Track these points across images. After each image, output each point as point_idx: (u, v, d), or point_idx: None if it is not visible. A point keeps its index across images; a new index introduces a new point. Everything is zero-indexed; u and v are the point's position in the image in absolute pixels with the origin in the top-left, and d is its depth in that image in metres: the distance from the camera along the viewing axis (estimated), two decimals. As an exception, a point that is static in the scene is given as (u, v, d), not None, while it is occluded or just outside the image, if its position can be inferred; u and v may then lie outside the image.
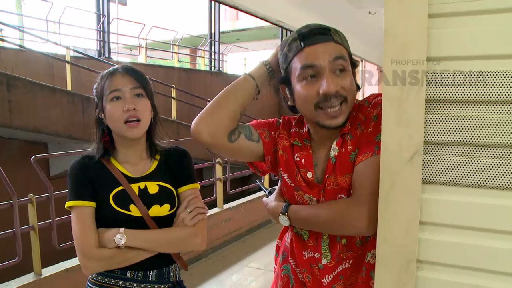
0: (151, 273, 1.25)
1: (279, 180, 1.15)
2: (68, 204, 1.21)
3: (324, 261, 1.05)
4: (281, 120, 1.16)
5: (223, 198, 4.82)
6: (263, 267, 4.06)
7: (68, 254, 3.13)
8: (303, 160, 1.06)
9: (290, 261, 1.13)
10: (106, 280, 1.23)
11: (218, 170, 4.78)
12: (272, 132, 1.13)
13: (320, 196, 1.03)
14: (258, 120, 1.17)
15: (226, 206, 4.83)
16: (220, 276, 3.94)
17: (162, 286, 1.26)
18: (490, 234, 0.79)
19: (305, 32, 0.98)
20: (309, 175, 1.05)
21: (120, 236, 1.16)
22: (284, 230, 1.21)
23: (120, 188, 1.23)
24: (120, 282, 1.22)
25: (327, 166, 1.03)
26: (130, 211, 1.21)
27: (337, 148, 1.02)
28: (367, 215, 0.92)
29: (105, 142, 1.27)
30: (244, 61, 13.86)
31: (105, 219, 1.21)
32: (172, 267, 1.30)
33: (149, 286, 1.24)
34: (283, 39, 1.09)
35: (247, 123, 1.14)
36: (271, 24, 5.27)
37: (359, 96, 1.09)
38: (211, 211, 4.65)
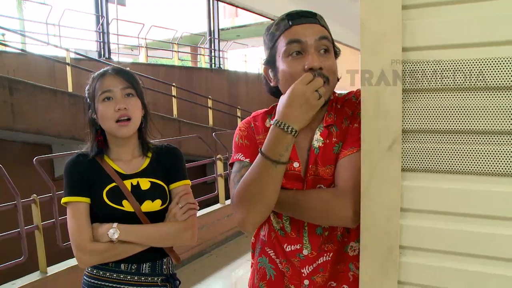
0: (144, 266, 1.29)
1: None
2: (63, 200, 1.26)
3: (305, 252, 1.05)
4: (253, 124, 1.12)
5: (224, 194, 4.85)
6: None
7: (72, 253, 3.17)
8: None
9: (268, 251, 1.11)
10: (101, 273, 1.27)
11: (219, 166, 4.81)
12: (258, 145, 1.07)
13: (303, 187, 1.04)
14: (243, 146, 1.10)
15: (228, 201, 4.86)
16: (223, 271, 3.98)
17: (155, 278, 1.30)
18: (469, 219, 0.81)
19: (293, 14, 1.01)
20: (296, 165, 1.03)
21: (113, 230, 1.20)
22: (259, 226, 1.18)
23: (113, 184, 1.27)
24: (115, 275, 1.27)
25: (309, 157, 1.03)
26: (123, 206, 1.26)
27: (322, 139, 1.02)
28: (352, 206, 0.92)
29: (98, 141, 1.32)
30: (244, 58, 13.84)
31: (99, 214, 1.25)
32: (165, 260, 1.35)
33: (143, 278, 1.29)
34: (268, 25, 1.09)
35: (246, 160, 1.06)
36: (271, 20, 5.28)
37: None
38: (213, 207, 4.68)
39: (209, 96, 9.13)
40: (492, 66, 0.75)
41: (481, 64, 0.77)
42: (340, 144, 1.01)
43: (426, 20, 0.79)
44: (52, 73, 7.46)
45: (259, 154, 0.94)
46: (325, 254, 1.04)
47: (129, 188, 1.28)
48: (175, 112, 8.19)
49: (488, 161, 0.78)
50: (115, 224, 1.22)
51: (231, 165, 1.12)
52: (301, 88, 0.92)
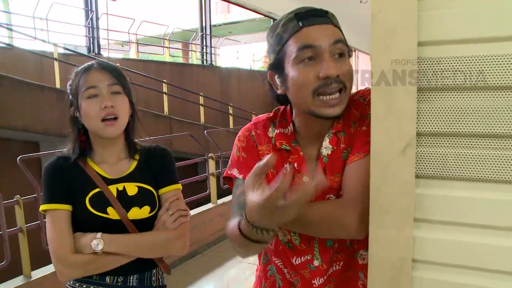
0: (131, 278, 1.20)
1: None
2: (42, 207, 1.16)
3: (316, 263, 0.98)
4: (254, 133, 1.03)
5: (216, 193, 4.77)
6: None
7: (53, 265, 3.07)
8: (295, 164, 0.97)
9: (275, 261, 1.05)
10: (84, 286, 1.18)
11: (211, 164, 4.73)
12: (259, 157, 1.01)
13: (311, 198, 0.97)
14: (240, 159, 1.02)
15: (220, 201, 4.78)
16: (216, 272, 3.91)
17: None
18: (490, 231, 0.74)
19: (302, 12, 0.90)
20: (306, 179, 0.95)
21: (97, 241, 1.11)
22: None
23: (96, 190, 1.18)
24: None
25: (318, 166, 0.95)
26: (107, 214, 1.16)
27: (331, 147, 0.95)
28: (358, 217, 0.85)
29: (81, 142, 1.22)
30: (236, 54, 13.74)
31: (82, 222, 1.16)
32: (154, 271, 1.26)
33: None
34: (274, 22, 0.99)
35: (240, 181, 1.00)
36: (263, 16, 5.21)
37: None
38: (205, 207, 4.61)
39: (201, 93, 9.03)
40: (521, 63, 0.68)
41: (504, 61, 0.69)
42: (348, 150, 0.93)
43: (446, 11, 0.72)
44: (39, 69, 7.30)
45: (237, 230, 0.81)
46: (335, 264, 0.98)
47: (115, 194, 1.19)
48: (166, 109, 8.07)
49: (513, 168, 0.71)
50: (98, 234, 1.12)
51: (225, 178, 1.06)
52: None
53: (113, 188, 1.19)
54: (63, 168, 1.19)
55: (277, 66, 0.94)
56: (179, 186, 1.28)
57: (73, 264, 1.12)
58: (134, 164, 1.26)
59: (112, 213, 1.17)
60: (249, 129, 1.05)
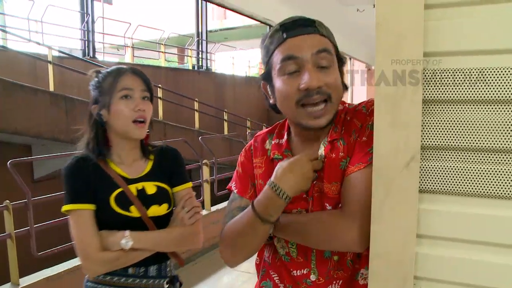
0: (151, 269, 1.29)
1: None
2: (65, 208, 1.20)
3: (312, 277, 0.96)
4: (253, 147, 1.06)
5: (210, 199, 4.72)
6: (252, 271, 3.96)
7: (49, 262, 3.01)
8: None
9: (272, 275, 1.03)
10: (108, 278, 1.24)
11: (205, 171, 4.69)
12: (254, 171, 1.03)
13: (308, 206, 0.95)
14: (238, 175, 1.06)
15: (213, 208, 4.74)
16: (209, 280, 3.86)
17: (161, 281, 1.29)
18: (495, 249, 0.72)
19: (288, 23, 0.90)
20: None
21: (126, 239, 1.18)
22: (262, 246, 1.12)
23: (119, 190, 1.24)
24: (122, 279, 1.25)
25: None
26: (130, 212, 1.24)
27: (324, 155, 0.93)
28: (358, 229, 0.83)
29: (101, 142, 1.28)
30: (232, 60, 13.74)
31: (105, 220, 1.22)
32: (168, 262, 1.35)
33: (150, 281, 1.27)
34: (265, 33, 0.99)
35: (237, 195, 1.04)
36: (259, 22, 5.21)
37: (348, 98, 1.01)
38: (198, 214, 4.55)
39: (196, 99, 8.99)
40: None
41: (512, 73, 0.67)
42: (347, 159, 0.90)
43: (453, 21, 0.70)
44: (33, 71, 7.22)
45: (250, 206, 0.90)
46: (335, 282, 0.94)
47: (135, 193, 1.26)
48: (160, 114, 8.03)
49: (521, 184, 0.68)
50: (126, 233, 1.19)
51: (229, 190, 1.09)
52: (305, 161, 0.89)
53: (133, 188, 1.26)
54: (84, 169, 1.24)
55: (267, 77, 0.95)
56: (190, 184, 1.37)
57: (101, 261, 1.18)
58: (150, 164, 1.34)
59: (134, 211, 1.23)
60: (250, 144, 1.07)
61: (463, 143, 0.72)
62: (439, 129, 0.73)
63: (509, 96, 0.68)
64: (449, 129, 0.72)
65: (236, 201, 1.02)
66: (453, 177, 0.73)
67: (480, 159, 0.71)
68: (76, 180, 1.22)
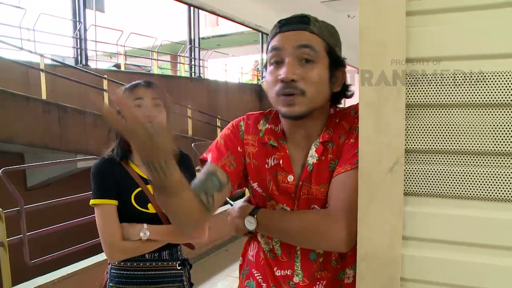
0: (164, 253, 1.46)
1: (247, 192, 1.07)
2: (92, 201, 1.39)
3: (296, 279, 0.96)
4: (243, 123, 1.04)
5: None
6: (246, 277, 3.96)
7: (42, 270, 2.98)
8: (281, 161, 0.96)
9: (255, 274, 1.03)
10: (128, 264, 1.42)
11: (199, 178, 4.68)
12: (239, 148, 1.00)
13: (294, 206, 0.96)
14: (217, 145, 1.01)
15: (207, 214, 4.72)
16: (203, 286, 3.83)
17: (174, 263, 1.47)
18: (479, 249, 0.73)
19: (285, 20, 0.94)
20: (290, 178, 0.95)
21: (144, 232, 1.37)
22: (246, 245, 1.11)
23: (139, 189, 1.41)
24: (141, 263, 1.42)
25: (302, 173, 0.95)
26: (148, 209, 1.41)
27: (317, 156, 0.94)
28: (344, 229, 0.84)
29: (124, 146, 1.44)
30: (224, 67, 13.77)
31: (126, 215, 1.39)
32: (178, 247, 1.52)
33: (164, 264, 1.45)
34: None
35: (209, 162, 0.98)
36: (251, 29, 5.24)
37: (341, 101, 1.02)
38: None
39: (189, 106, 8.99)
40: (509, 80, 0.68)
41: (496, 78, 0.69)
42: (336, 162, 0.92)
43: (434, 28, 0.72)
44: (25, 79, 7.19)
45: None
46: (318, 283, 0.95)
47: (152, 192, 1.38)
48: (153, 121, 8.00)
49: (502, 186, 0.70)
50: (145, 225, 1.38)
51: (201, 161, 1.02)
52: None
53: (150, 187, 1.41)
54: (110, 169, 1.42)
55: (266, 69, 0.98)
56: None
57: (123, 249, 1.37)
58: None
59: (151, 208, 1.41)
60: (240, 120, 1.06)
61: (446, 146, 0.73)
62: (423, 132, 0.75)
63: (490, 100, 0.70)
64: (432, 132, 0.74)
65: (206, 167, 0.97)
66: (437, 179, 0.75)
67: (463, 162, 0.73)
68: (103, 177, 1.40)
